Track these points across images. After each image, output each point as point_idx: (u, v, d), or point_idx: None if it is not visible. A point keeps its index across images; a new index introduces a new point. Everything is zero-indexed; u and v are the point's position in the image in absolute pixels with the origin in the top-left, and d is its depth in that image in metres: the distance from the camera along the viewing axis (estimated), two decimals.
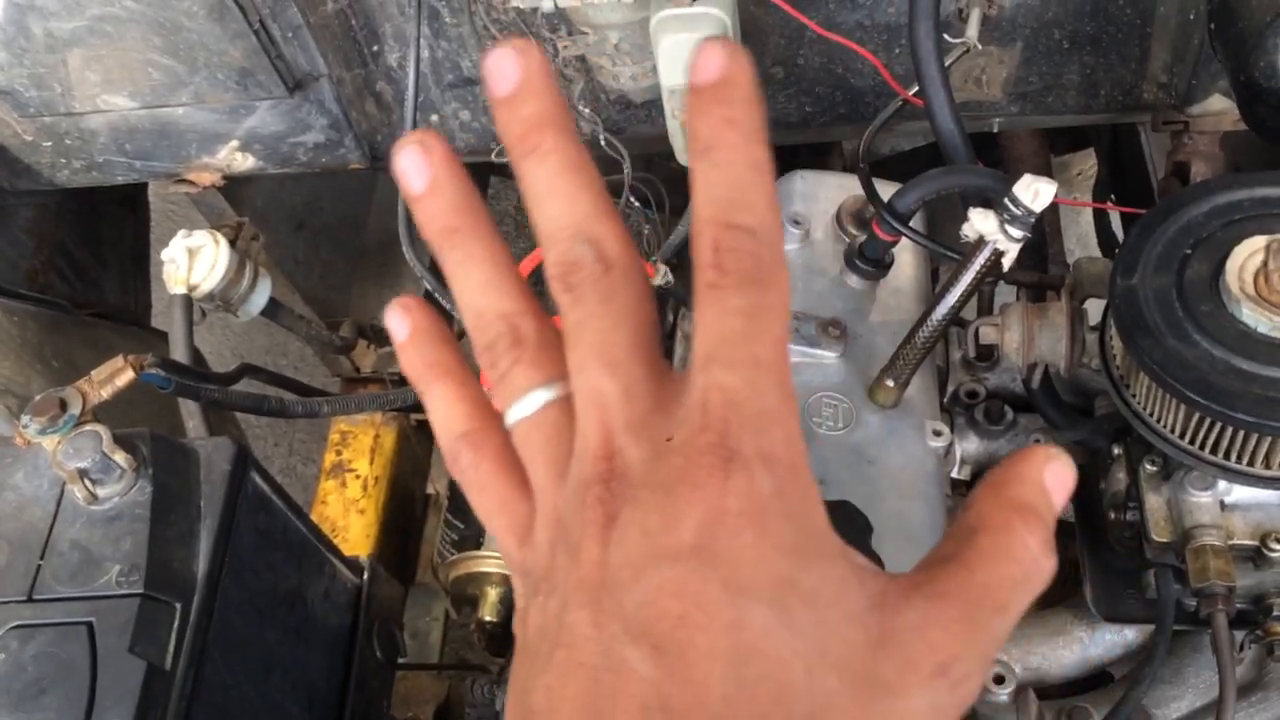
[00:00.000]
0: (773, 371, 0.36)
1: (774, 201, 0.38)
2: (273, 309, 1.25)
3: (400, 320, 0.42)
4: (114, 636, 0.65)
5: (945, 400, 1.05)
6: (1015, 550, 0.37)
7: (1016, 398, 1.02)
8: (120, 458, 0.69)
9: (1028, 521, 0.38)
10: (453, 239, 0.40)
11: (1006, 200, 0.79)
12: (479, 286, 0.40)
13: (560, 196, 0.38)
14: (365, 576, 0.91)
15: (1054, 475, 0.39)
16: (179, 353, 1.13)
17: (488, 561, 0.97)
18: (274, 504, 0.79)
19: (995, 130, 1.29)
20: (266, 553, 0.78)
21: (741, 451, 0.34)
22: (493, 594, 0.97)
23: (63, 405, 0.69)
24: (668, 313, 1.22)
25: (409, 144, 0.41)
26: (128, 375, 0.74)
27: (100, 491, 0.69)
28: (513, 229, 2.65)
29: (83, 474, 0.68)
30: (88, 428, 0.69)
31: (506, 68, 0.39)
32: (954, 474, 1.00)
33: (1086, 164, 2.01)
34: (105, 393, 0.72)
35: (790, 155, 1.40)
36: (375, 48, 1.16)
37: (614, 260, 0.38)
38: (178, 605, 0.68)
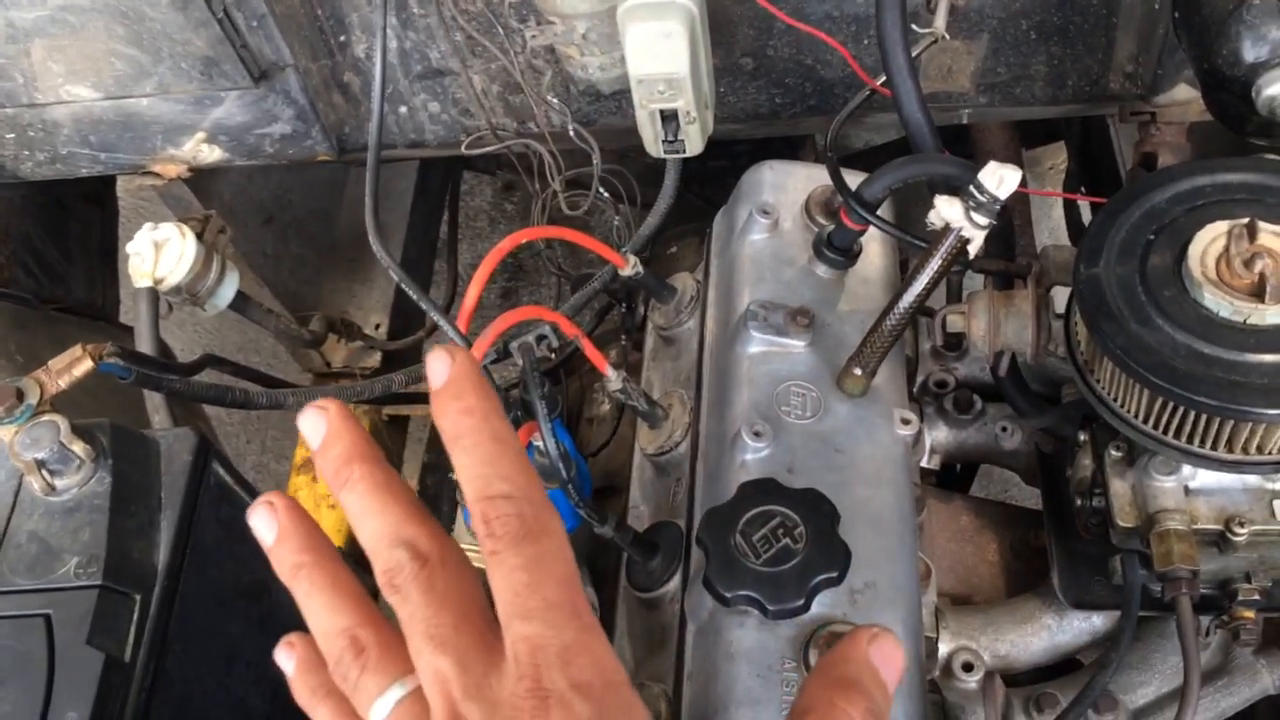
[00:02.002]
0: (565, 608, 0.43)
1: (524, 464, 0.45)
2: (241, 303, 1.24)
3: (267, 522, 0.49)
4: (72, 628, 0.64)
5: (915, 390, 1.05)
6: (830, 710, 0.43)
7: (985, 387, 1.03)
8: (78, 448, 0.68)
9: (850, 697, 0.44)
10: (299, 574, 0.48)
11: (971, 187, 0.79)
12: (322, 610, 0.47)
13: (373, 514, 0.46)
14: None
15: (879, 652, 0.46)
16: (145, 346, 1.12)
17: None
18: (237, 495, 0.78)
19: (965, 122, 1.29)
20: (229, 544, 0.77)
21: (555, 689, 0.41)
22: None
23: (19, 395, 0.68)
24: (638, 304, 1.22)
25: (257, 507, 0.49)
26: (86, 365, 0.73)
27: (58, 482, 0.68)
28: (486, 225, 2.64)
29: (40, 464, 0.67)
30: (45, 418, 0.68)
31: (316, 426, 0.48)
32: (923, 463, 1.00)
33: (1058, 157, 2.03)
34: (63, 382, 0.71)
35: (762, 148, 1.40)
36: (342, 38, 1.15)
37: (428, 554, 0.44)
38: (137, 597, 0.67)
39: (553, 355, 1.00)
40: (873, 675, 0.45)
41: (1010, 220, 1.04)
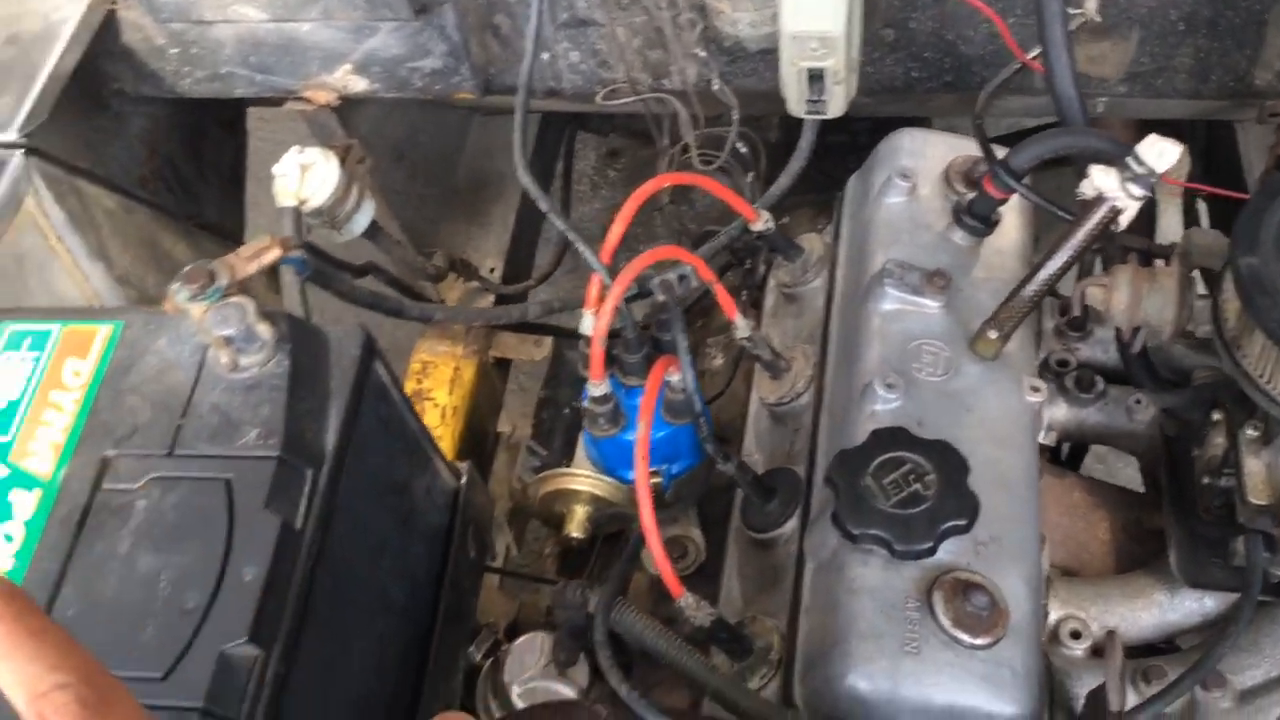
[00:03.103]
0: None
1: (71, 647, 0.43)
2: (373, 230, 1.28)
3: None
4: (251, 494, 0.68)
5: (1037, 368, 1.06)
6: None
7: (1106, 370, 1.03)
8: (263, 329, 0.72)
9: None
10: None
11: (1129, 159, 0.80)
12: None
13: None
14: (463, 480, 0.94)
15: None
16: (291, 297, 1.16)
17: (578, 479, 1.00)
18: (392, 395, 0.82)
19: (1100, 112, 1.29)
20: (384, 440, 0.81)
21: None
22: (580, 511, 1.00)
23: (211, 276, 0.72)
24: (758, 264, 1.24)
25: None
26: (274, 253, 0.77)
27: (242, 360, 0.72)
28: (588, 189, 2.68)
29: (228, 341, 0.71)
30: (234, 299, 0.72)
31: None
32: (1040, 438, 1.01)
33: (1180, 168, 1.99)
34: (251, 268, 0.75)
35: (882, 128, 1.41)
36: None
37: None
38: (309, 472, 0.71)
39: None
40: None
41: (1154, 200, 1.04)
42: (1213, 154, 1.58)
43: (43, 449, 0.73)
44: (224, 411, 0.72)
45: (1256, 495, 0.77)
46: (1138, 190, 0.80)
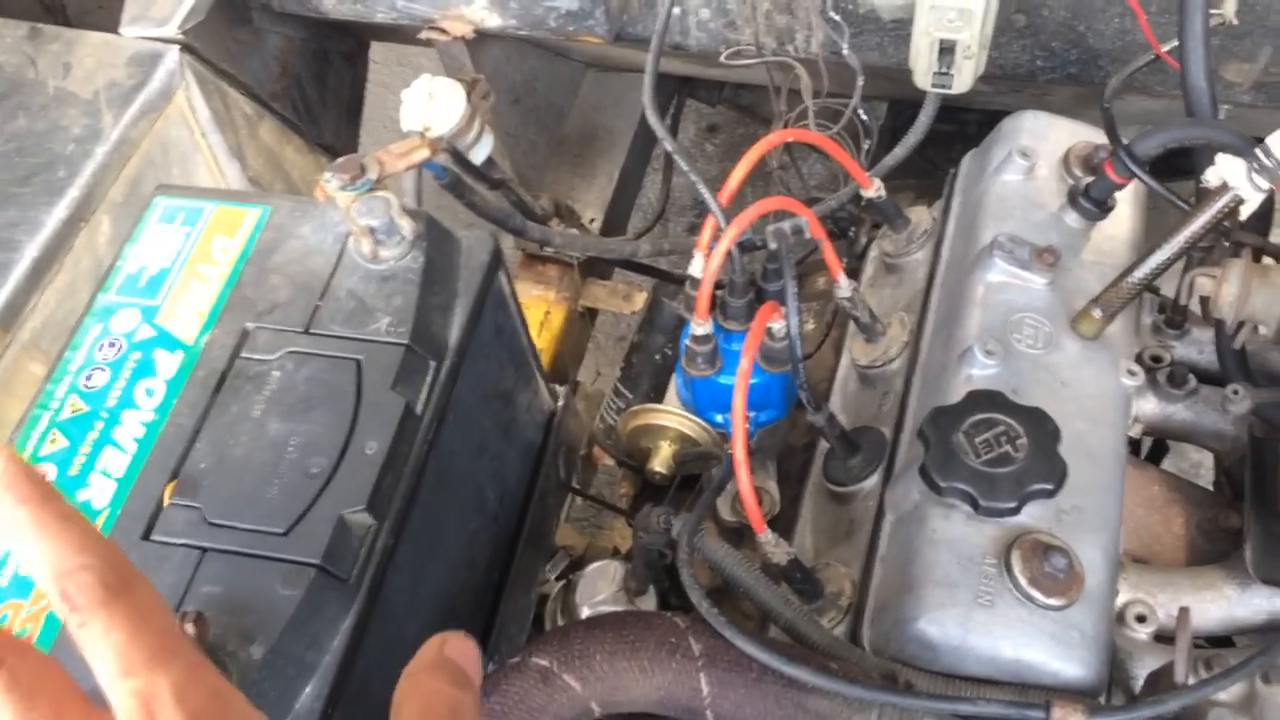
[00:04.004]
0: (166, 653, 0.43)
1: (95, 535, 0.45)
2: (488, 166, 1.32)
3: None
4: (379, 375, 0.72)
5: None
6: (421, 691, 0.48)
7: (1198, 371, 1.03)
8: (405, 224, 0.76)
9: (435, 674, 0.49)
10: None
11: (1258, 150, 0.81)
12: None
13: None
14: (560, 403, 0.97)
15: (452, 648, 0.50)
16: (408, 187, 1.21)
17: (668, 416, 1.03)
18: (510, 306, 0.86)
19: (1222, 118, 1.28)
20: (497, 347, 0.85)
21: None
22: (666, 448, 1.03)
23: (362, 169, 0.76)
24: (860, 234, 1.25)
25: None
26: (423, 153, 0.81)
27: (382, 251, 0.76)
28: (694, 156, 2.70)
29: (371, 231, 0.76)
30: (380, 193, 0.76)
31: None
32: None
33: None
34: (401, 164, 0.79)
35: (992, 122, 1.42)
36: None
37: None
38: (432, 363, 0.75)
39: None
40: (451, 661, 0.49)
41: (1273, 199, 1.04)
42: None
43: (188, 315, 0.78)
44: (359, 297, 0.76)
45: None
46: (1264, 183, 0.81)
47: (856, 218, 1.25)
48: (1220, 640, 0.96)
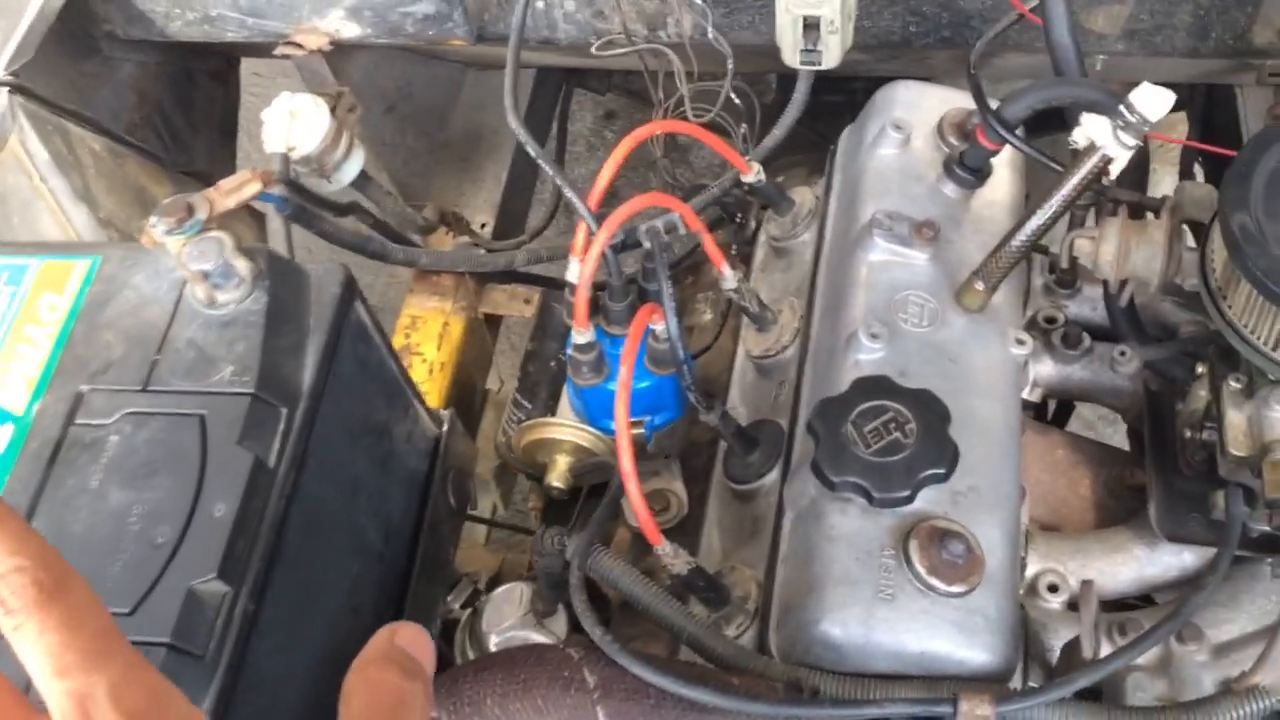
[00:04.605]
0: (103, 654, 0.42)
1: (31, 535, 0.44)
2: (362, 180, 1.27)
3: None
4: (224, 430, 0.67)
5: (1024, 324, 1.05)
6: (369, 683, 0.48)
7: (1093, 327, 1.03)
8: (241, 265, 0.71)
9: (384, 666, 0.49)
10: None
11: (1122, 107, 0.79)
12: None
13: None
14: (444, 428, 0.93)
15: (404, 637, 0.51)
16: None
17: (560, 429, 0.99)
18: (373, 337, 0.82)
19: (1099, 69, 1.28)
20: (362, 381, 0.80)
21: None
22: (562, 461, 1.00)
23: (190, 209, 0.72)
24: (749, 218, 1.23)
25: None
26: (254, 187, 0.76)
27: (219, 296, 0.72)
28: (584, 150, 2.66)
29: (204, 276, 0.71)
30: (212, 234, 0.71)
31: None
32: (1024, 395, 1.01)
33: (1177, 132, 1.99)
34: (231, 202, 0.74)
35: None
36: None
37: None
38: (284, 410, 0.71)
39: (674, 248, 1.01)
40: (401, 651, 0.50)
41: (1146, 152, 1.03)
42: (1212, 118, 1.56)
43: (16, 384, 0.72)
44: (200, 347, 0.71)
45: (1237, 447, 0.77)
46: (1130, 139, 0.79)
47: (744, 202, 1.22)
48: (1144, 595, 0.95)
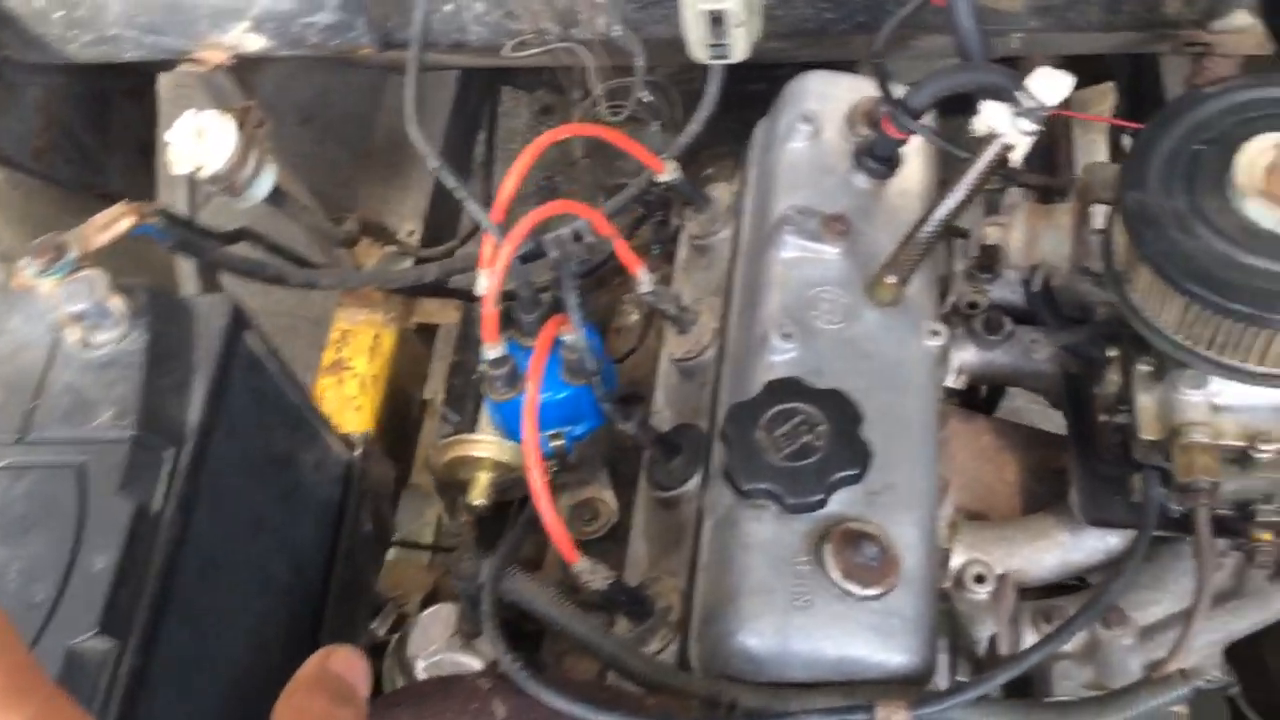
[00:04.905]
0: (19, 691, 0.41)
1: None
2: (277, 196, 1.24)
3: None
4: (104, 478, 0.65)
5: (946, 311, 1.04)
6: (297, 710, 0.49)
7: (1017, 311, 1.02)
8: (117, 304, 0.69)
9: (313, 692, 0.50)
10: None
11: (1019, 93, 0.78)
12: None
13: None
14: (357, 453, 0.91)
15: (337, 661, 0.52)
16: None
17: (479, 445, 0.97)
18: (267, 367, 0.79)
19: (1015, 47, 1.27)
20: (259, 414, 0.78)
21: None
22: (483, 478, 0.98)
23: (61, 249, 0.69)
24: (671, 216, 1.21)
25: None
26: (127, 222, 0.74)
27: (95, 337, 0.69)
28: (521, 147, 2.63)
29: (79, 318, 0.68)
30: (85, 273, 0.69)
31: None
32: (950, 383, 1.00)
33: (1106, 101, 1.98)
34: (104, 238, 0.72)
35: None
36: None
37: None
38: (169, 452, 0.68)
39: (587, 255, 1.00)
40: (333, 676, 0.50)
41: (1053, 135, 1.02)
42: (1139, 87, 1.56)
43: None
44: (78, 391, 0.69)
45: (1148, 431, 0.76)
46: (1028, 126, 0.78)
47: (665, 200, 1.21)
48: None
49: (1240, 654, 0.98)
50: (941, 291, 1.04)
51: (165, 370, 0.70)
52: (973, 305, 1.04)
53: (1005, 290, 1.04)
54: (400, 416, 1.51)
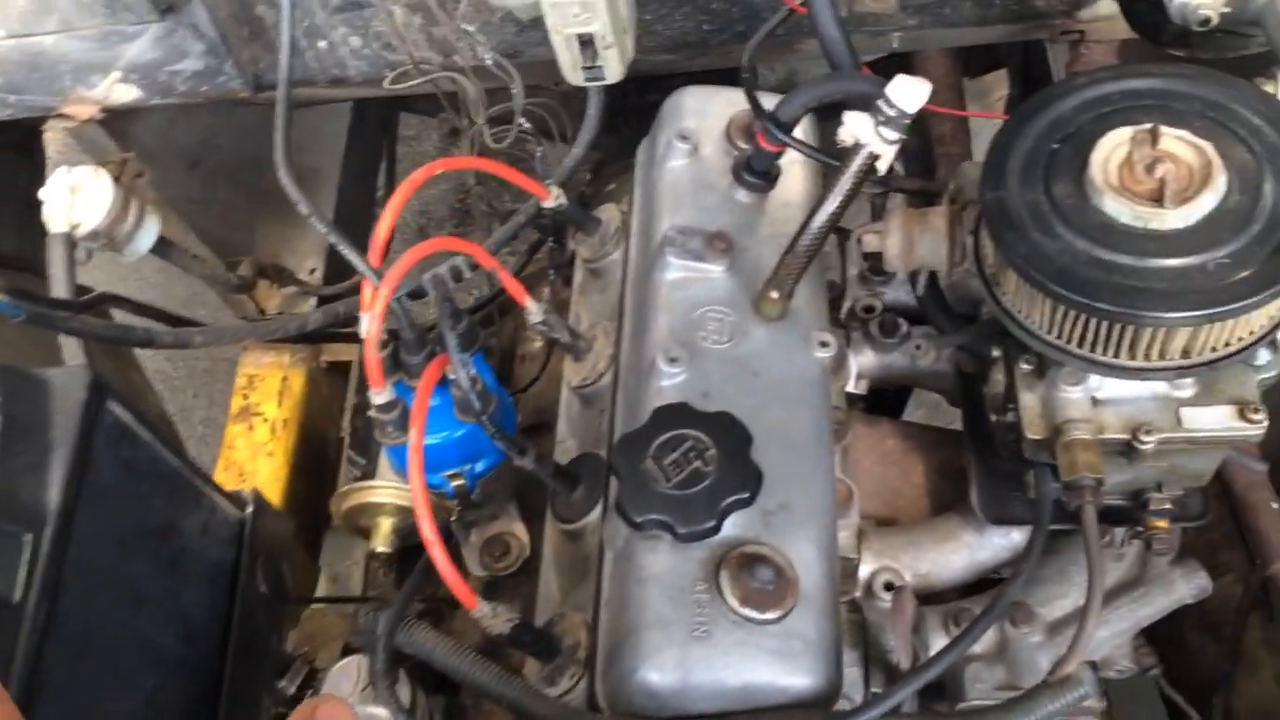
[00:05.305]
0: None
1: None
2: (163, 248, 1.22)
3: None
4: None
5: (842, 316, 1.04)
6: None
7: (913, 310, 1.02)
8: None
9: None
10: None
11: (880, 102, 0.78)
12: None
13: None
14: (249, 511, 0.89)
15: (322, 713, 0.51)
16: (60, 294, 1.09)
17: (378, 491, 0.95)
18: (139, 436, 0.77)
19: (896, 47, 1.27)
20: (131, 485, 0.76)
21: None
22: (385, 524, 0.96)
23: None
24: (568, 239, 1.20)
25: None
26: None
27: None
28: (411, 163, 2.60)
29: None
30: None
31: None
32: (851, 389, 1.00)
33: (1000, 89, 2.01)
34: None
35: (700, 81, 1.38)
36: None
37: None
38: (28, 536, 0.66)
39: (473, 295, 0.98)
40: None
41: (927, 138, 1.03)
42: (1030, 73, 1.58)
43: None
44: None
45: (1033, 430, 0.76)
46: (891, 134, 0.78)
47: (558, 224, 1.19)
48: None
49: (1161, 633, 0.99)
50: (836, 297, 1.04)
51: (18, 451, 0.67)
52: (868, 309, 1.04)
53: (900, 291, 1.04)
54: (317, 459, 1.48)
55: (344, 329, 1.06)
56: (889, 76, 0.98)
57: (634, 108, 1.43)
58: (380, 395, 0.89)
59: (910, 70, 1.41)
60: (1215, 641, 1.12)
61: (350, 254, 0.90)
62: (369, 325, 0.85)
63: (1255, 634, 1.09)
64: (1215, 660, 1.11)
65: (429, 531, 0.77)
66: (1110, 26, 1.14)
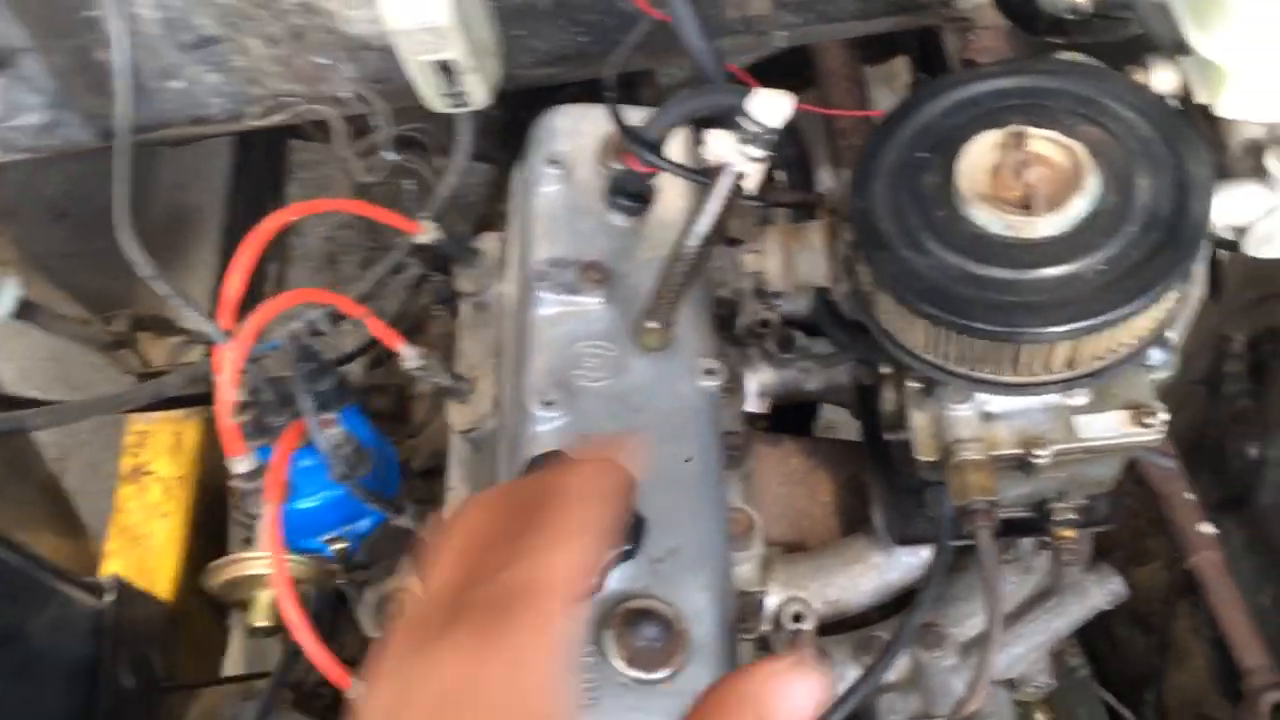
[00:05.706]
0: None
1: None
2: (28, 311, 1.15)
3: None
4: None
5: (739, 332, 1.00)
6: None
7: (811, 323, 0.98)
8: None
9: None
10: None
11: (741, 119, 0.74)
12: None
13: None
14: (108, 599, 0.83)
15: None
16: None
17: (252, 563, 0.89)
18: None
19: (787, 45, 1.24)
20: None
21: None
22: (263, 597, 0.90)
23: None
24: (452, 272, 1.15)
25: None
26: None
27: None
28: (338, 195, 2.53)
29: None
30: None
31: None
32: (751, 408, 0.96)
33: (901, 77, 1.99)
34: None
35: (590, 92, 1.33)
36: (89, 12, 1.05)
37: None
38: None
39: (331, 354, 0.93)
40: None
41: (805, 149, 0.99)
42: (927, 59, 1.55)
43: None
44: None
45: (924, 452, 0.73)
46: (757, 152, 0.74)
47: (443, 257, 1.14)
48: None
49: (1089, 629, 0.96)
50: (729, 314, 1.00)
51: None
52: (764, 324, 1.00)
53: (796, 304, 1.00)
54: (218, 517, 1.41)
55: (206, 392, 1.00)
56: (789, 70, 0.94)
57: (523, 124, 1.38)
58: (241, 463, 0.84)
59: (806, 64, 1.39)
60: (1144, 634, 1.10)
61: (197, 317, 0.84)
62: (222, 391, 0.80)
63: (1184, 622, 1.07)
64: (1145, 653, 1.09)
65: (293, 614, 0.72)
66: (994, 14, 1.10)
